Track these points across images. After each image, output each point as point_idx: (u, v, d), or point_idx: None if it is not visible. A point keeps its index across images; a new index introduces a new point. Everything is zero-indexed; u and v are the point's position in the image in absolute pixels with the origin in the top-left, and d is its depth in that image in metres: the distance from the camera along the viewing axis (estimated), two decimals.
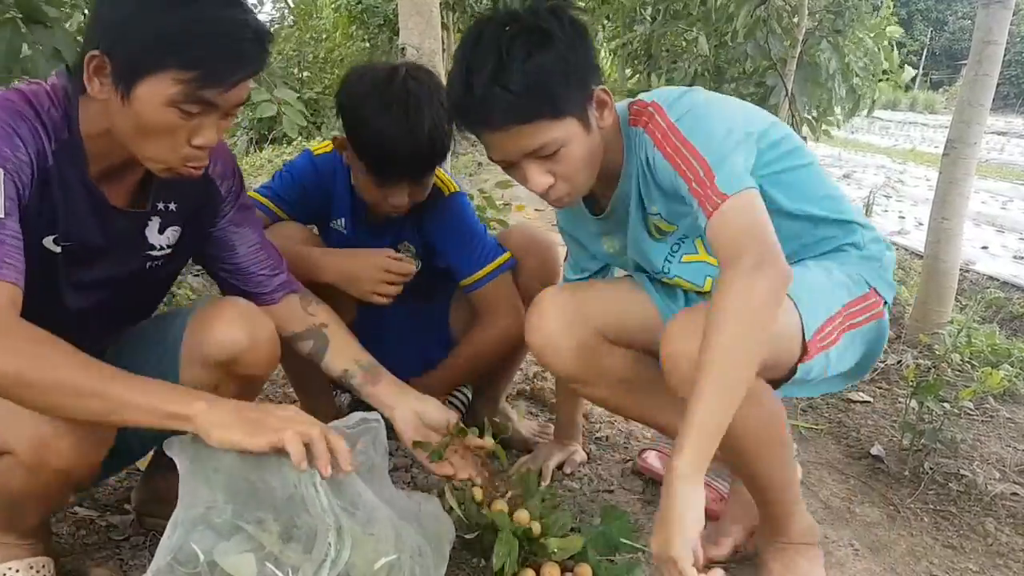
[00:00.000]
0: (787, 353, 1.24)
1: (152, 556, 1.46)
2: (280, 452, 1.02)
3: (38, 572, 1.22)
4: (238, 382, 1.33)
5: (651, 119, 1.29)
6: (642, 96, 1.36)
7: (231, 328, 1.28)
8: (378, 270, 1.65)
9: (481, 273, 1.79)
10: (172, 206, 1.29)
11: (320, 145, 1.83)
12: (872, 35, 5.71)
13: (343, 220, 1.81)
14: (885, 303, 1.42)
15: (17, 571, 1.20)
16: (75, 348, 1.02)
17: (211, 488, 1.02)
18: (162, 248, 1.30)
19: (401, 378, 1.88)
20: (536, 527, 1.40)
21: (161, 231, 1.29)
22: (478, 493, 1.47)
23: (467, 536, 1.42)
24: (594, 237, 1.57)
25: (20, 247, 1.04)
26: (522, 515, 1.41)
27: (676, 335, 1.21)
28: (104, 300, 1.27)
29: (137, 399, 1.02)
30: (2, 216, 1.02)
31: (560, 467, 1.85)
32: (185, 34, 1.02)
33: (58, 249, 1.15)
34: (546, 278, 1.81)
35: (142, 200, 1.25)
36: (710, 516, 1.63)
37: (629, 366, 1.50)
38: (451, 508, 1.41)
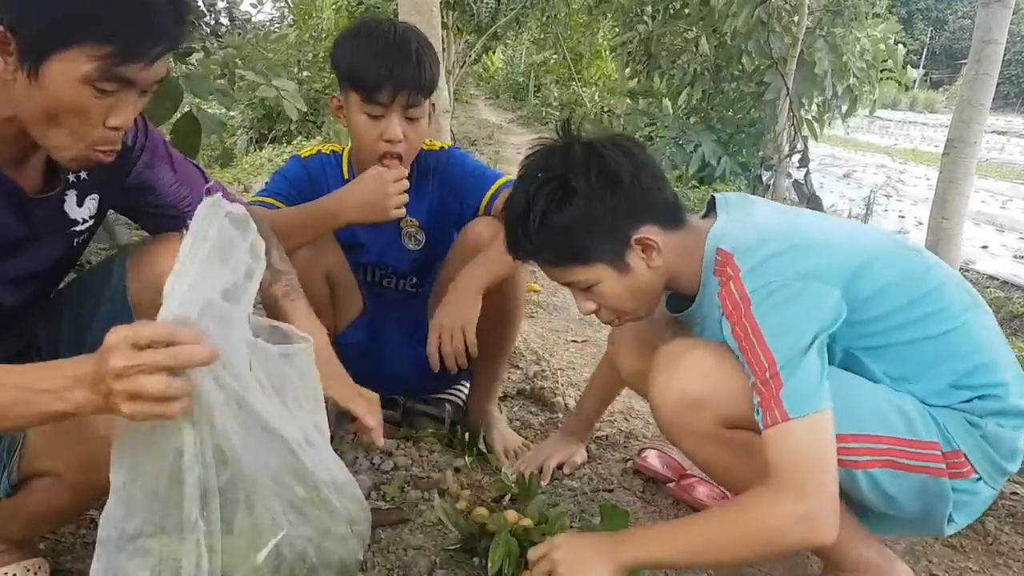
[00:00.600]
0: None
1: None
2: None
3: (35, 574, 1.22)
4: None
5: (727, 281, 1.24)
6: (723, 243, 1.28)
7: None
8: (383, 184, 1.60)
9: (490, 193, 1.78)
10: (83, 174, 1.20)
11: (307, 149, 1.85)
12: (872, 34, 5.71)
13: None
14: (978, 476, 1.27)
15: (14, 575, 1.20)
16: None
17: (121, 504, 0.94)
18: (85, 221, 1.23)
19: (403, 372, 1.88)
20: (529, 523, 1.40)
21: (80, 203, 1.21)
22: (463, 503, 1.49)
23: (456, 547, 1.43)
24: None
25: None
26: (510, 514, 1.41)
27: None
28: (36, 291, 1.24)
29: (13, 407, 0.89)
30: None
31: (560, 467, 1.85)
32: (97, 5, 0.95)
33: None
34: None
35: (54, 180, 1.17)
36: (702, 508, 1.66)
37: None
38: (439, 519, 1.42)
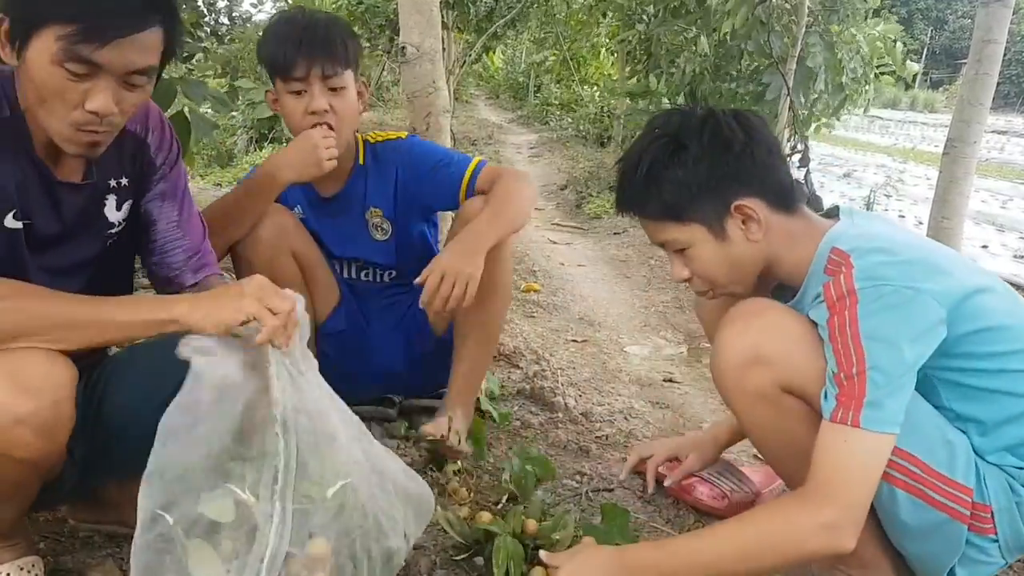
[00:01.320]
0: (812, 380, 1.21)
1: None
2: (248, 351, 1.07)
3: (28, 572, 1.21)
4: None
5: (837, 274, 1.22)
6: (841, 243, 1.25)
7: None
8: (310, 139, 1.67)
9: (464, 183, 1.78)
10: (124, 181, 1.27)
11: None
12: (871, 33, 5.70)
13: (299, 207, 1.86)
14: (996, 538, 1.24)
15: (7, 574, 1.19)
16: (48, 289, 1.08)
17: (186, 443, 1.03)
18: (120, 224, 1.29)
19: (390, 366, 1.90)
20: (532, 525, 1.40)
21: (119, 207, 1.28)
22: (465, 510, 1.49)
23: (461, 556, 1.42)
24: None
25: None
26: (513, 518, 1.41)
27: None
28: (82, 288, 1.23)
29: (124, 316, 1.08)
30: None
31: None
32: None
33: (19, 224, 1.13)
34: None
35: (88, 173, 1.22)
36: (710, 512, 1.66)
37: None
38: (442, 528, 1.42)
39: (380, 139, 1.88)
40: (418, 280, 1.57)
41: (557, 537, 1.38)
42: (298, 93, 1.68)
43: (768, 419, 1.29)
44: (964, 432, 1.25)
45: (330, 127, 1.69)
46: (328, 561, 1.07)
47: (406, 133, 1.93)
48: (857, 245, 1.24)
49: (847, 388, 1.14)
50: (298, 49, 1.64)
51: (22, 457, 1.05)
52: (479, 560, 1.41)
